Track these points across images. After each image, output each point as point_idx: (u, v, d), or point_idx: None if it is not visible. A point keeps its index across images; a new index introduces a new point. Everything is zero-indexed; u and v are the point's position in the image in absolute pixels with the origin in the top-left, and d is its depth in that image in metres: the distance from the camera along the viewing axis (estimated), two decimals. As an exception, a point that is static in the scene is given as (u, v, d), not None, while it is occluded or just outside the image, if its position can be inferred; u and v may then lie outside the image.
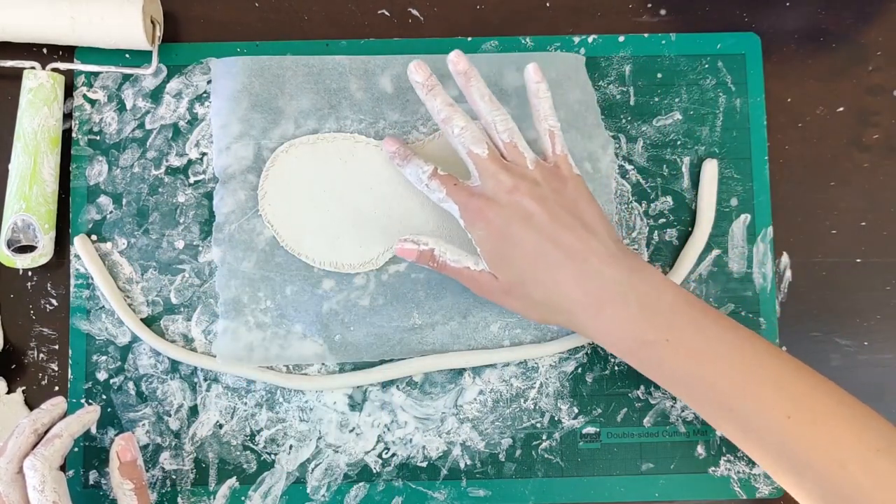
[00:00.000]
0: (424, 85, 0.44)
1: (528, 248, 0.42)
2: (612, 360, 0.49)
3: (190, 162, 0.49)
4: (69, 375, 0.48)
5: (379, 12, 0.51)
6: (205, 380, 0.48)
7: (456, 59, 0.43)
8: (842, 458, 0.38)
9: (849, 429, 0.38)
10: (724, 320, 0.41)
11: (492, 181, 0.43)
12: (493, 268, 0.43)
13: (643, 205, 0.50)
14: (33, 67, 0.48)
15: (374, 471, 0.48)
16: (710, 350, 0.40)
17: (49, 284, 0.49)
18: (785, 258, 0.50)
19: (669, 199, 0.50)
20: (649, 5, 0.52)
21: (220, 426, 0.48)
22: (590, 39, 0.51)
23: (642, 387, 0.49)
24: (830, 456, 0.38)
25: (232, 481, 0.48)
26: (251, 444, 0.48)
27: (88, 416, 0.43)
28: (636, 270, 0.42)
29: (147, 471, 0.47)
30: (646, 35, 0.51)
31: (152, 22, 0.49)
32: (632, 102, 0.51)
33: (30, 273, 0.49)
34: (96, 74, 0.50)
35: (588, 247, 0.41)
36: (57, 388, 0.48)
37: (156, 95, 0.50)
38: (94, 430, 0.48)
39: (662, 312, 0.41)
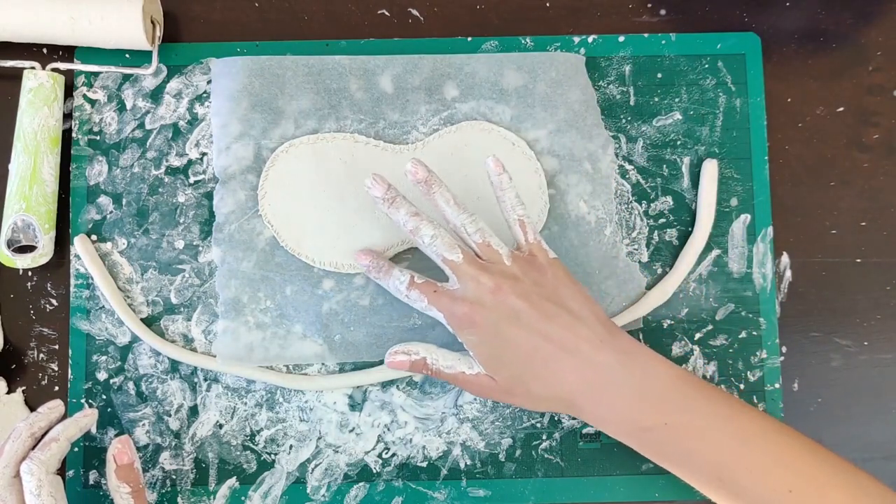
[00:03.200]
0: (385, 199, 0.43)
1: (521, 346, 0.41)
2: (612, 360, 0.49)
3: (190, 162, 0.49)
4: (69, 375, 0.48)
5: (379, 12, 0.51)
6: (205, 380, 0.48)
7: (414, 170, 0.43)
8: None
9: (849, 498, 0.39)
10: (720, 394, 0.42)
11: (472, 284, 0.42)
12: (489, 370, 0.42)
13: (643, 205, 0.50)
14: (33, 67, 0.48)
15: (374, 471, 0.48)
16: (707, 427, 0.40)
17: (49, 284, 0.49)
18: (785, 258, 0.50)
19: (669, 199, 0.50)
20: (649, 5, 0.52)
21: (220, 426, 0.48)
22: (590, 39, 0.51)
23: (642, 387, 0.49)
24: None
25: (232, 481, 0.48)
26: (251, 444, 0.48)
27: (86, 419, 0.42)
28: (629, 354, 0.42)
29: (147, 471, 0.47)
30: (646, 35, 0.51)
31: (152, 22, 0.49)
32: (632, 102, 0.51)
33: (30, 273, 0.49)
34: (96, 74, 0.50)
35: (578, 335, 0.41)
36: (57, 388, 0.48)
37: (156, 95, 0.50)
38: (94, 431, 0.48)
39: (658, 396, 0.41)
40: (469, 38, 0.51)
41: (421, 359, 0.43)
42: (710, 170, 0.49)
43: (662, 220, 0.50)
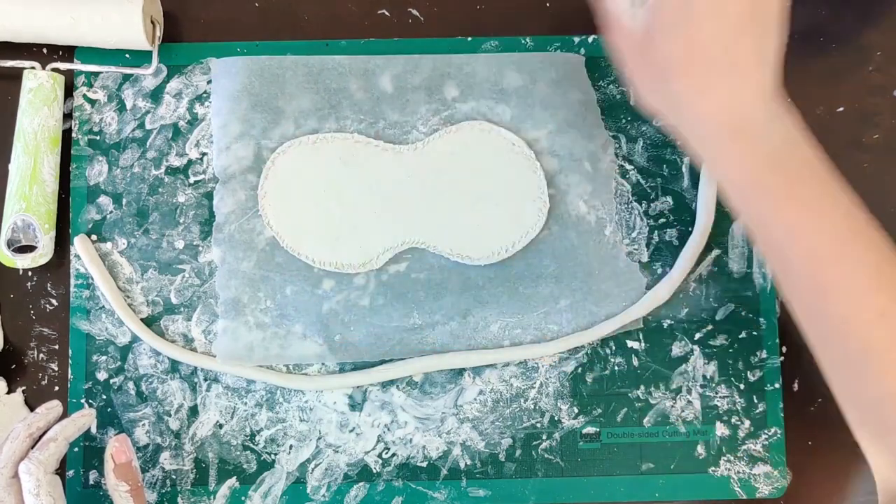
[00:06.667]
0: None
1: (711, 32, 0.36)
2: (612, 359, 0.49)
3: (190, 162, 0.49)
4: (69, 375, 0.48)
5: (379, 12, 0.51)
6: (205, 380, 0.48)
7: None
8: None
9: None
10: (847, 197, 0.38)
11: None
12: (661, 29, 0.36)
13: (643, 205, 0.50)
14: (33, 67, 0.48)
15: (374, 471, 0.48)
16: (820, 221, 0.37)
17: (49, 284, 0.49)
18: (785, 258, 0.50)
19: (669, 199, 0.50)
20: (649, 5, 0.52)
21: (220, 426, 0.48)
22: (590, 39, 0.51)
23: (642, 387, 0.49)
24: None
25: (232, 481, 0.48)
26: (251, 444, 0.48)
27: (83, 419, 0.42)
28: (784, 114, 0.38)
29: (147, 471, 0.47)
30: (646, 35, 0.51)
31: (152, 22, 0.49)
32: (632, 102, 0.51)
33: (30, 273, 0.49)
34: (96, 74, 0.50)
35: (760, 61, 0.37)
36: (57, 388, 0.48)
37: (156, 95, 0.50)
38: (94, 430, 0.48)
39: (794, 165, 0.37)
40: (469, 38, 0.51)
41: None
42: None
43: (662, 220, 0.50)
